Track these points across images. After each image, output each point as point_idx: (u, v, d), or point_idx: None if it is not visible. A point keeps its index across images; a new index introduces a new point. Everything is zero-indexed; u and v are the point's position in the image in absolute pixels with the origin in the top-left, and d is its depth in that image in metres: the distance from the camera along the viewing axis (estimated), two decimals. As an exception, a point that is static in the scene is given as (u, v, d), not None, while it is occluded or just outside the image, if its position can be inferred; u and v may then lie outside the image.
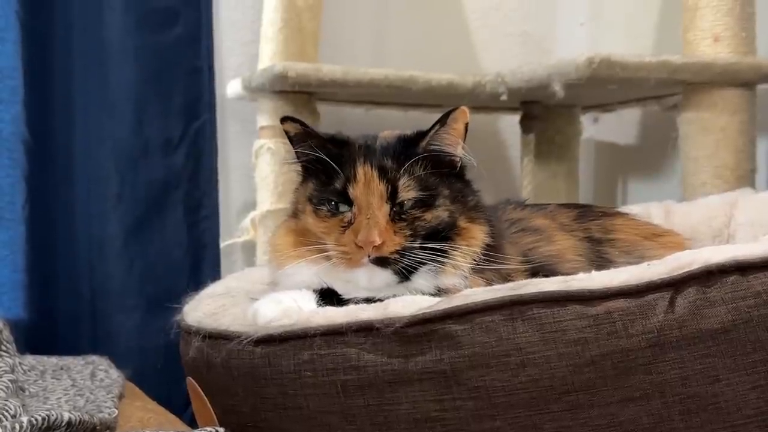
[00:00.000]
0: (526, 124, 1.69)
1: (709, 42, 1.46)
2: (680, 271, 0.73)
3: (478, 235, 0.93)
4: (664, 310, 0.72)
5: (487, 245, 0.93)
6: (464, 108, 0.94)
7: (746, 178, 1.45)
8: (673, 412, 0.72)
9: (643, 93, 1.60)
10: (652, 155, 1.79)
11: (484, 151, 1.81)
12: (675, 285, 0.73)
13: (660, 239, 1.10)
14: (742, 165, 1.45)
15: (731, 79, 1.45)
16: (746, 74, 1.46)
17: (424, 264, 0.89)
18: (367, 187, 0.90)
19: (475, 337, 0.74)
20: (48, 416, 0.89)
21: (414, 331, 0.76)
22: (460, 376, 0.75)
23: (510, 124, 1.74)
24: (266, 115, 1.51)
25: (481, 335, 0.74)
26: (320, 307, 0.87)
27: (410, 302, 0.80)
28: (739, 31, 1.47)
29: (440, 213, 0.92)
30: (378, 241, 0.87)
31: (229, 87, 1.61)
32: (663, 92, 1.56)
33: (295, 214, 0.97)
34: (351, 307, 0.84)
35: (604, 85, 1.43)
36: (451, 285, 0.88)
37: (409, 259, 0.89)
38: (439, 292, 0.87)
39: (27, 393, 1.11)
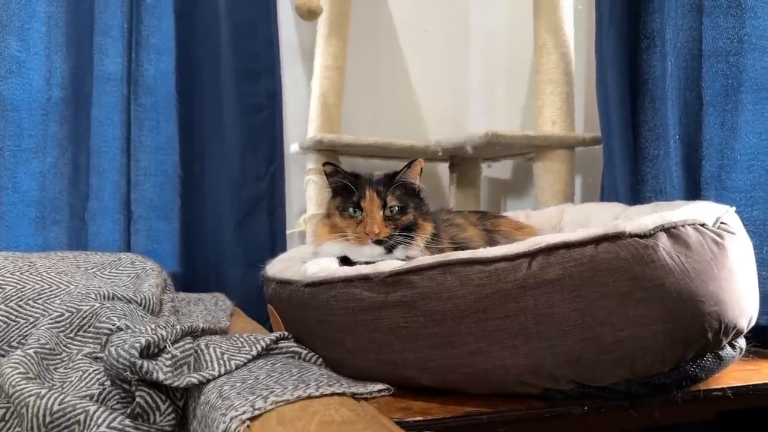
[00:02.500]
0: (452, 168, 1.70)
1: (550, 124, 1.47)
2: (534, 247, 0.74)
3: (428, 228, 0.95)
4: (526, 268, 0.73)
5: (433, 234, 0.94)
6: (420, 159, 0.96)
7: (569, 198, 1.46)
8: (530, 323, 0.72)
9: (515, 151, 1.60)
10: (520, 185, 1.81)
11: (430, 183, 1.84)
12: (531, 254, 0.74)
13: (524, 230, 1.11)
14: (567, 191, 1.46)
15: (562, 144, 1.46)
16: (570, 142, 1.47)
17: (401, 244, 0.91)
18: (371, 201, 0.92)
19: (424, 282, 0.76)
20: (191, 325, 0.91)
21: (391, 280, 0.78)
22: (416, 304, 0.76)
23: (444, 168, 1.75)
24: (311, 162, 1.53)
25: (427, 281, 0.75)
26: (340, 267, 0.89)
27: (390, 264, 0.81)
28: (566, 118, 1.48)
29: (409, 216, 0.94)
30: (377, 231, 0.90)
31: (292, 147, 1.62)
32: (526, 151, 1.56)
33: (328, 216, 0.98)
34: (357, 266, 0.85)
35: (494, 147, 1.45)
36: (414, 255, 0.89)
37: (393, 241, 0.91)
38: (407, 258, 0.87)
39: (180, 313, 1.12)
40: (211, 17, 1.53)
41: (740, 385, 0.82)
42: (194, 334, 0.90)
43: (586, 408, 0.74)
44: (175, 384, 0.74)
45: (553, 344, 0.72)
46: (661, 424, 0.80)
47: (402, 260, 0.86)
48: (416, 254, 0.90)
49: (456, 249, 0.92)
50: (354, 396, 0.74)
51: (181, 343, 0.82)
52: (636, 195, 1.32)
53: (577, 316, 0.72)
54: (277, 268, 1.00)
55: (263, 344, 0.85)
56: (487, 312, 0.73)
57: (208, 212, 1.54)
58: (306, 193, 1.56)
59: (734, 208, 0.91)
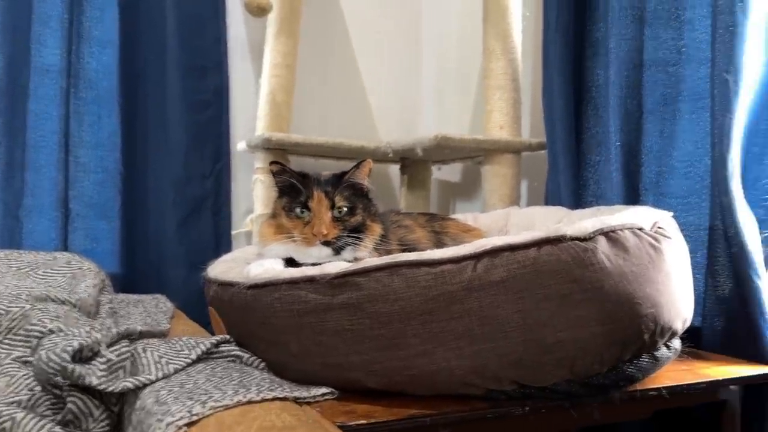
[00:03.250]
0: (402, 170, 1.69)
1: (498, 129, 1.49)
2: (480, 249, 0.74)
3: (377, 229, 0.94)
4: (471, 269, 0.73)
5: (381, 235, 0.94)
6: (369, 159, 0.95)
7: (516, 201, 1.48)
8: (474, 324, 0.73)
9: (464, 154, 1.60)
10: (469, 188, 1.82)
11: (381, 184, 1.83)
12: (477, 256, 0.74)
13: (471, 232, 1.11)
14: (513, 194, 1.48)
15: (509, 149, 1.48)
16: (516, 147, 1.48)
17: (349, 245, 0.90)
18: (319, 201, 0.90)
19: (370, 284, 0.75)
20: (128, 328, 0.87)
21: (337, 281, 0.76)
22: (362, 306, 0.75)
23: (395, 169, 1.74)
24: (259, 161, 1.49)
25: (374, 283, 0.75)
26: (286, 268, 0.87)
27: (336, 265, 0.80)
28: (513, 124, 1.50)
29: (358, 217, 0.93)
30: (325, 233, 0.88)
31: (239, 145, 1.58)
32: (475, 154, 1.57)
33: (273, 216, 0.96)
34: (303, 268, 0.84)
35: (443, 150, 1.45)
36: (362, 257, 0.88)
37: (341, 243, 0.89)
38: (355, 260, 0.86)
39: (118, 315, 1.08)
40: (156, 10, 1.48)
41: (675, 384, 0.85)
42: (131, 337, 0.87)
43: (527, 408, 0.75)
44: (110, 389, 0.71)
45: (496, 345, 0.73)
46: (599, 423, 0.82)
47: (350, 262, 0.85)
48: (364, 256, 0.88)
49: (404, 250, 0.91)
50: (297, 400, 0.72)
51: (117, 347, 0.78)
52: (578, 199, 1.35)
53: (519, 317, 0.72)
54: (220, 269, 0.97)
55: (203, 348, 0.83)
56: (433, 314, 0.73)
57: (150, 211, 1.49)
58: (253, 192, 1.52)
59: (671, 214, 0.94)
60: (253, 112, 1.58)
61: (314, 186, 0.92)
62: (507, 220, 1.28)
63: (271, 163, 0.96)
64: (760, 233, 1.01)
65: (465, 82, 1.84)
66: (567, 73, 1.33)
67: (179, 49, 1.48)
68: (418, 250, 0.86)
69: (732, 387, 0.94)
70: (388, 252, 0.91)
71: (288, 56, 1.54)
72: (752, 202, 1.01)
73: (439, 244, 1.01)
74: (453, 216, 1.28)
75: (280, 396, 0.70)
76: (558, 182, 1.39)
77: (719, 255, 1.03)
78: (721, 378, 0.90)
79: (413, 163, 1.65)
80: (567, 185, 1.36)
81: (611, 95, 1.25)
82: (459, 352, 0.73)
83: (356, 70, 1.88)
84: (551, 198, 1.43)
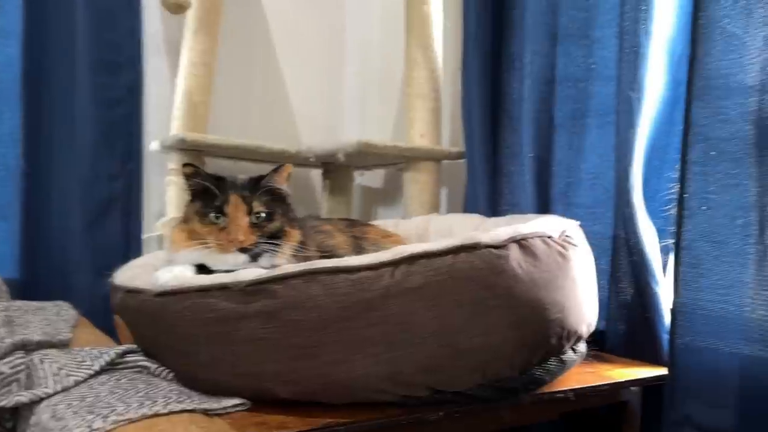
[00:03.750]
0: (325, 175, 1.67)
1: (419, 137, 1.51)
2: (398, 256, 0.74)
3: (295, 235, 0.92)
4: (389, 276, 0.73)
5: (300, 241, 0.92)
6: (288, 164, 0.94)
7: (436, 208, 1.50)
8: (392, 331, 0.73)
9: (387, 161, 1.61)
10: (391, 194, 1.83)
11: (302, 189, 1.81)
12: (395, 263, 0.74)
13: (391, 238, 1.11)
14: (433, 201, 1.50)
15: (429, 157, 1.49)
16: (437, 155, 1.50)
17: (266, 252, 0.87)
18: (236, 206, 0.87)
19: (287, 291, 0.73)
20: (24, 338, 0.82)
21: (251, 289, 0.74)
22: (277, 314, 0.73)
23: (316, 173, 1.73)
24: (173, 162, 1.43)
25: (290, 291, 0.73)
26: (197, 275, 0.84)
27: (251, 272, 0.77)
28: (434, 132, 1.52)
29: (276, 223, 0.90)
30: (242, 239, 0.85)
31: (152, 145, 1.51)
32: (397, 161, 1.58)
33: (185, 221, 0.92)
34: (215, 275, 0.80)
35: (366, 156, 1.45)
36: (280, 264, 0.86)
37: (259, 249, 0.87)
38: (273, 267, 0.83)
39: (15, 324, 1.00)
40: (65, 0, 1.40)
41: (580, 386, 0.88)
42: (28, 347, 0.81)
43: (441, 414, 0.76)
44: (2, 404, 0.66)
45: (413, 351, 0.73)
46: (509, 426, 0.84)
47: (266, 269, 0.83)
48: (282, 263, 0.86)
49: (323, 256, 0.90)
50: (206, 412, 0.70)
51: (10, 358, 0.73)
52: (494, 207, 1.38)
53: (436, 323, 0.73)
54: (127, 275, 0.93)
55: (107, 358, 0.78)
56: (350, 321, 0.72)
57: (54, 212, 1.39)
58: (166, 194, 1.46)
59: (578, 223, 0.98)
60: (168, 112, 1.52)
61: (230, 190, 0.89)
62: (427, 226, 1.29)
63: (184, 165, 0.92)
64: (659, 242, 1.07)
65: (388, 89, 1.85)
66: (485, 86, 1.37)
67: (90, 43, 1.40)
68: (338, 256, 0.85)
69: (633, 388, 1.00)
70: (307, 258, 0.89)
71: (206, 55, 1.49)
72: (652, 213, 1.08)
73: (359, 250, 1.01)
74: (374, 222, 1.28)
75: (188, 408, 0.68)
76: (476, 191, 1.43)
77: (622, 262, 1.09)
78: (622, 380, 0.95)
79: (336, 168, 1.64)
80: (484, 194, 1.39)
81: (525, 108, 1.29)
82: (376, 359, 0.73)
83: (278, 72, 1.85)
84: (469, 206, 1.46)
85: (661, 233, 1.07)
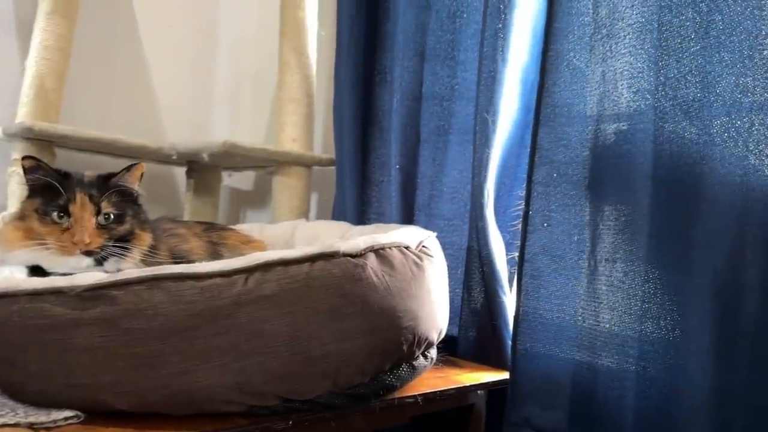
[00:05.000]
0: (189, 174, 1.60)
1: (290, 141, 1.50)
2: (252, 263, 0.73)
3: (146, 239, 0.88)
4: (242, 284, 0.71)
5: (151, 246, 0.88)
6: (142, 163, 0.89)
7: (305, 214, 1.50)
8: (241, 340, 0.71)
9: (256, 163, 1.58)
10: (260, 197, 1.80)
11: (164, 187, 1.72)
12: (249, 270, 0.72)
13: (251, 244, 1.09)
14: (302, 207, 1.49)
15: (300, 162, 1.49)
16: (307, 161, 1.50)
17: (114, 256, 0.83)
18: (82, 206, 0.82)
19: (128, 298, 0.69)
20: None
21: (89, 294, 0.69)
22: (116, 321, 0.69)
23: (181, 172, 1.65)
24: (17, 152, 1.31)
25: (132, 297, 0.69)
26: (29, 277, 0.77)
27: (90, 276, 0.72)
28: (305, 137, 1.52)
29: (126, 225, 0.85)
30: (87, 241, 0.80)
31: (-6, 131, 1.37)
32: (266, 164, 1.56)
33: (21, 218, 0.84)
34: (51, 277, 0.75)
35: (233, 157, 1.41)
36: (127, 268, 0.81)
37: (106, 253, 0.82)
38: (120, 272, 0.78)
39: None
40: None
41: (429, 391, 0.91)
42: None
43: (290, 422, 0.75)
44: None
45: (262, 360, 0.72)
46: None
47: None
48: (130, 267, 0.82)
49: (176, 262, 0.87)
50: (32, 426, 0.64)
51: None
52: (362, 216, 1.40)
53: (288, 332, 0.72)
54: (-52, 276, 0.82)
55: None
56: (197, 330, 0.70)
57: None
58: (8, 186, 1.33)
59: (435, 234, 1.02)
60: (15, 97, 1.38)
61: (77, 188, 0.83)
62: (293, 232, 1.28)
63: (24, 157, 0.84)
64: (507, 254, 1.14)
65: (261, 90, 1.81)
66: (356, 96, 1.38)
67: None
68: (192, 261, 0.83)
69: (479, 392, 1.05)
70: (158, 264, 0.85)
71: (62, 39, 1.38)
72: (502, 227, 1.15)
73: (216, 256, 0.98)
74: (239, 226, 1.25)
75: (11, 422, 0.62)
76: (344, 198, 1.44)
77: (474, 272, 1.14)
78: (469, 384, 0.99)
79: (202, 168, 1.58)
80: (352, 202, 1.41)
81: (395, 121, 1.33)
82: (223, 369, 0.70)
83: (143, 63, 1.75)
84: (338, 213, 1.47)
85: (509, 246, 1.15)
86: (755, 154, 0.80)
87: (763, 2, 0.80)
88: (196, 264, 0.74)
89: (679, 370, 0.84)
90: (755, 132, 0.80)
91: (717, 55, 0.83)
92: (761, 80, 0.80)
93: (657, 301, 0.87)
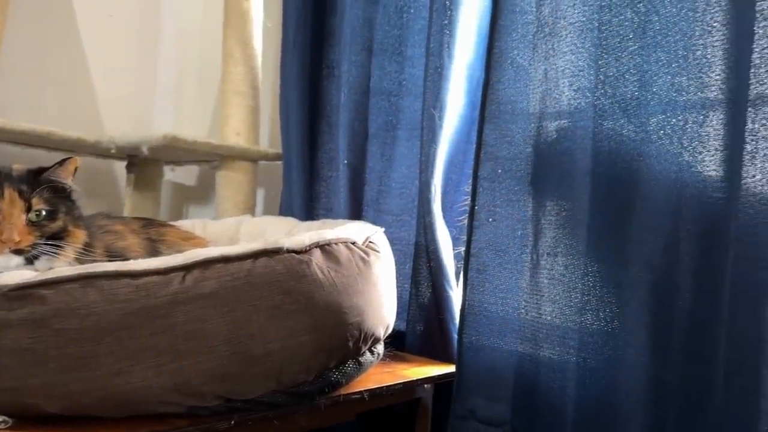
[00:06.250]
0: (129, 168, 1.54)
1: (235, 135, 1.47)
2: (191, 260, 0.71)
3: (80, 236, 0.84)
4: (179, 282, 0.69)
5: (85, 243, 0.84)
6: (75, 157, 0.85)
7: (250, 209, 1.47)
8: (179, 339, 0.69)
9: (199, 157, 1.54)
10: (204, 192, 1.77)
11: (103, 182, 1.66)
12: (187, 268, 0.70)
13: (192, 241, 1.06)
14: (248, 202, 1.47)
15: (245, 156, 1.46)
16: (253, 155, 1.48)
17: (45, 254, 0.79)
18: (11, 202, 0.77)
19: (59, 297, 0.66)
20: None
21: (16, 294, 0.66)
22: (46, 322, 0.66)
23: (121, 166, 1.59)
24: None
25: (63, 296, 0.66)
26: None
27: (18, 275, 0.69)
28: (251, 131, 1.49)
29: (59, 222, 0.82)
30: (17, 239, 0.76)
31: None
32: (210, 158, 1.52)
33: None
34: (-27, 277, 0.70)
35: (175, 150, 1.37)
36: (60, 267, 0.76)
37: (37, 251, 0.78)
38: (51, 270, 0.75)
39: None
40: None
41: (376, 386, 0.91)
42: None
43: (233, 422, 0.73)
44: None
45: (201, 360, 0.70)
46: (306, 430, 0.85)
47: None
48: (63, 266, 0.78)
49: (112, 259, 0.83)
50: (-48, 435, 0.60)
51: None
52: (310, 211, 1.39)
53: (228, 330, 0.71)
54: None
55: None
56: (132, 329, 0.67)
57: None
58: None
59: (383, 229, 1.02)
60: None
61: (5, 183, 0.78)
62: (238, 229, 1.25)
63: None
64: (454, 249, 1.15)
65: (206, 82, 1.77)
66: (303, 89, 1.37)
67: None
68: (128, 259, 0.80)
69: (426, 386, 1.05)
70: (93, 262, 0.81)
71: (-9, 26, 1.31)
72: (449, 222, 1.15)
73: (154, 253, 0.95)
74: (181, 222, 1.21)
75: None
76: (291, 194, 1.42)
77: (421, 267, 1.15)
78: (416, 378, 1.00)
79: (142, 162, 1.53)
80: (300, 197, 1.39)
81: (343, 116, 1.32)
82: (159, 370, 0.68)
83: (81, 54, 1.67)
84: (285, 209, 1.45)
85: (456, 241, 1.16)
86: (689, 151, 0.83)
87: (696, 4, 0.83)
88: (132, 261, 0.72)
89: (618, 361, 0.87)
90: (689, 130, 0.83)
91: (654, 55, 0.86)
92: (695, 80, 0.83)
93: (596, 293, 0.89)
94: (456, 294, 1.13)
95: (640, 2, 0.88)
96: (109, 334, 0.67)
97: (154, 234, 1.01)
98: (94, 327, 0.66)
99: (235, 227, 1.25)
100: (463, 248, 1.08)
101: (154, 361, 0.68)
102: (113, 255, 0.87)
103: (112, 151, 1.35)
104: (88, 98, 1.68)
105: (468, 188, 1.10)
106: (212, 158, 1.50)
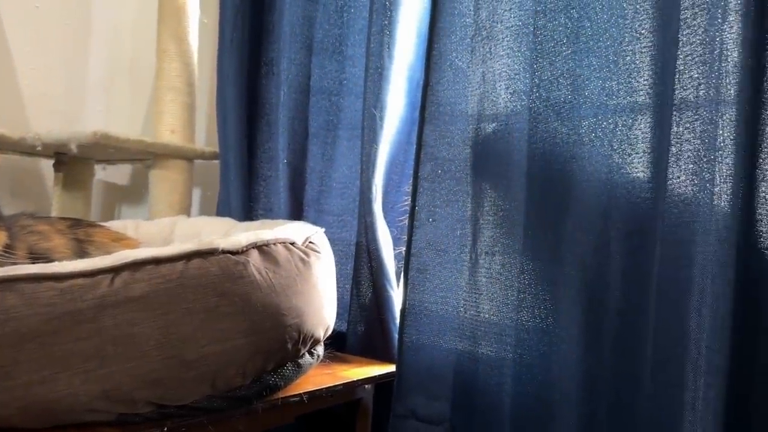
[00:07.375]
0: (57, 167, 1.47)
1: (169, 133, 1.42)
2: (120, 262, 0.68)
3: (1, 237, 0.80)
4: (107, 285, 0.67)
5: (6, 244, 0.80)
6: (-4, 154, 0.81)
7: (186, 210, 1.43)
8: (107, 344, 0.66)
9: (132, 155, 1.49)
10: (137, 192, 1.71)
11: (29, 181, 1.57)
12: (115, 270, 0.68)
13: (122, 242, 1.02)
14: (183, 202, 1.43)
15: (180, 154, 1.42)
16: (188, 153, 1.44)
17: (-38, 257, 0.74)
18: None
19: (-27, 302, 0.62)
20: None
21: (-75, 299, 0.62)
22: (-41, 328, 0.62)
23: (48, 165, 1.51)
24: None
25: (-22, 301, 0.62)
26: None
27: (-72, 279, 0.64)
28: (186, 129, 1.45)
29: None
30: None
31: None
32: (143, 157, 1.48)
33: None
34: None
35: (106, 148, 1.32)
36: None
37: None
38: None
39: None
40: None
41: (315, 388, 0.90)
42: None
43: (166, 429, 0.71)
44: None
45: (131, 366, 0.67)
46: (244, 434, 0.83)
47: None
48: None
49: (35, 261, 0.79)
50: None
51: None
52: (249, 211, 1.36)
53: (160, 334, 0.69)
54: None
55: None
56: (56, 335, 0.64)
57: None
58: None
59: (323, 229, 1.01)
60: None
61: None
62: (173, 229, 1.22)
63: None
64: (395, 249, 1.16)
65: (140, 79, 1.71)
66: (241, 87, 1.34)
67: None
68: (54, 260, 0.76)
69: (366, 386, 1.05)
70: (14, 264, 0.77)
71: None
72: (390, 223, 1.16)
73: (82, 255, 0.91)
74: (112, 223, 1.17)
75: None
76: (229, 194, 1.39)
77: (362, 267, 1.15)
78: (356, 379, 0.99)
79: (71, 160, 1.46)
80: (238, 197, 1.36)
81: (282, 115, 1.30)
82: (86, 377, 0.65)
83: (4, 47, 1.58)
84: (222, 209, 1.42)
85: (397, 241, 1.16)
86: (619, 153, 0.86)
87: (626, 11, 0.86)
88: (56, 263, 0.68)
89: (552, 357, 0.89)
90: (619, 133, 0.86)
91: (586, 60, 0.89)
92: (624, 84, 0.86)
93: (531, 291, 0.92)
94: (397, 294, 1.13)
95: (573, 8, 0.90)
96: (30, 340, 0.63)
97: (82, 235, 0.97)
98: (14, 333, 0.63)
99: (170, 228, 1.21)
100: (404, 248, 1.08)
101: (80, 368, 0.65)
102: (37, 257, 0.83)
103: (38, 148, 1.28)
104: (13, 93, 1.58)
105: (409, 188, 1.11)
106: (145, 157, 1.45)
